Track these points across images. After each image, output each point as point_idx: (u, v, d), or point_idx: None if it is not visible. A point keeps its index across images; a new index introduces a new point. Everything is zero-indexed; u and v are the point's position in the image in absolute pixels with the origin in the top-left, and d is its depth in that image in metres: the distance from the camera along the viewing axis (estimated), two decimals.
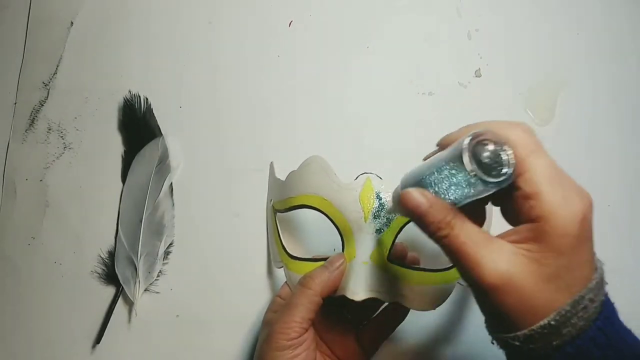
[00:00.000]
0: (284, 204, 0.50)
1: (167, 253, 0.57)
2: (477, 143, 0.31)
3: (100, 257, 0.58)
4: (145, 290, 0.56)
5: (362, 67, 0.61)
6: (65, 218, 0.59)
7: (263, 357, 0.42)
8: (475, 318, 0.53)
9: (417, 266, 0.45)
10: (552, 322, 0.29)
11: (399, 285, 0.44)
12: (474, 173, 0.30)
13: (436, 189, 0.33)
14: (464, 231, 0.32)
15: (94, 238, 0.58)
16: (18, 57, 0.65)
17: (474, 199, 0.32)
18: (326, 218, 0.46)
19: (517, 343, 0.31)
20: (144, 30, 0.64)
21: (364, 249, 0.44)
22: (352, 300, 0.42)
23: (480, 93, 0.59)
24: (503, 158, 0.31)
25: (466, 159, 0.30)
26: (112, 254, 0.57)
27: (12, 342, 0.57)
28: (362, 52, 0.61)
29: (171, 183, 0.59)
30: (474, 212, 0.33)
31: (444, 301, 0.45)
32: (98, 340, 0.55)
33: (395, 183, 0.46)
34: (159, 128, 0.61)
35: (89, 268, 0.57)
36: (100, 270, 0.57)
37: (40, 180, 0.61)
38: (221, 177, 0.59)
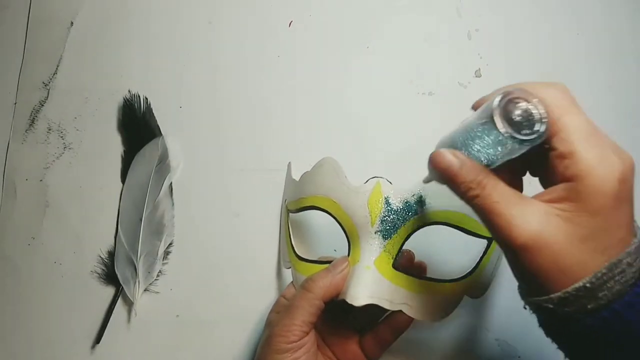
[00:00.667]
0: (296, 204, 0.50)
1: (166, 253, 0.57)
2: (509, 101, 0.30)
3: (100, 257, 0.58)
4: (145, 290, 0.56)
5: (362, 67, 0.61)
6: (65, 218, 0.59)
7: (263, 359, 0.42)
8: (483, 334, 0.53)
9: (424, 275, 0.44)
10: (588, 285, 0.28)
11: (403, 293, 0.43)
12: (505, 131, 0.29)
13: (469, 149, 0.32)
14: (496, 191, 0.31)
15: (93, 238, 0.58)
16: (18, 57, 0.65)
17: (507, 158, 0.31)
18: (335, 220, 0.46)
19: (551, 306, 0.30)
20: (144, 30, 0.64)
21: (369, 254, 0.43)
22: (352, 305, 0.42)
23: (480, 93, 0.59)
24: (535, 116, 0.30)
25: (497, 117, 0.30)
26: (111, 254, 0.57)
27: (12, 342, 0.57)
28: (362, 52, 0.61)
29: (171, 183, 0.59)
30: (510, 182, 0.32)
31: (449, 314, 0.44)
32: (98, 340, 0.55)
33: (401, 184, 0.45)
34: (159, 128, 0.61)
35: (89, 268, 0.57)
36: (100, 270, 0.57)
37: (40, 180, 0.61)
38: (221, 177, 0.59)
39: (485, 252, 0.46)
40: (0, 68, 0.65)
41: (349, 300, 0.41)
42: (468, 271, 0.45)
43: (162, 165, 0.59)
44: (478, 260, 0.46)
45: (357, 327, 0.48)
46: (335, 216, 0.46)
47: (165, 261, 0.57)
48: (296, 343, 0.41)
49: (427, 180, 0.40)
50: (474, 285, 0.45)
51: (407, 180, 0.44)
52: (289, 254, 0.50)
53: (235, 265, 0.56)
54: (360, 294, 0.41)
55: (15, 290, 0.58)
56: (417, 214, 0.44)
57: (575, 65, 0.59)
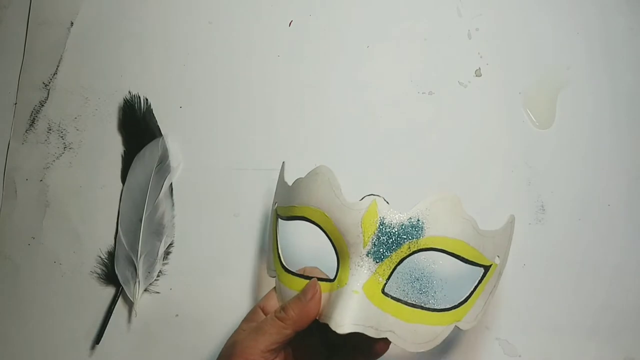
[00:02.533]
0: (286, 211, 0.47)
1: (167, 253, 0.57)
2: None
3: (100, 257, 0.58)
4: (145, 291, 0.56)
5: (362, 66, 0.61)
6: (65, 218, 0.59)
7: None
8: (484, 333, 0.51)
9: (414, 303, 0.42)
10: None
11: (390, 320, 0.41)
12: None
13: None
14: None
15: (93, 238, 0.58)
16: (18, 57, 0.65)
17: None
18: (325, 236, 0.44)
19: None
20: (144, 30, 0.64)
21: (358, 277, 0.41)
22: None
23: (480, 92, 0.59)
24: None
25: None
26: (111, 254, 0.57)
27: (11, 342, 0.56)
28: (362, 52, 0.61)
29: (171, 183, 0.59)
30: None
31: (437, 344, 0.42)
32: (98, 340, 0.55)
33: (398, 205, 0.42)
34: (159, 128, 0.61)
35: (89, 268, 0.57)
36: (100, 271, 0.57)
37: (41, 180, 0.61)
38: (221, 177, 0.59)
39: (480, 281, 0.45)
40: (0, 68, 0.65)
41: (333, 327, 0.39)
42: (460, 300, 0.44)
43: (162, 165, 0.59)
44: (472, 289, 0.44)
45: (327, 346, 0.46)
46: (326, 231, 0.43)
47: (165, 261, 0.57)
48: None
49: None
50: (465, 315, 0.44)
51: (405, 198, 0.42)
52: (274, 262, 0.48)
53: (235, 265, 0.56)
54: (346, 321, 0.39)
55: (15, 290, 0.58)
56: (412, 239, 0.41)
57: (574, 64, 0.59)
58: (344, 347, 0.45)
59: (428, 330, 0.42)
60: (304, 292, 0.42)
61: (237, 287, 0.55)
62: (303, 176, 0.46)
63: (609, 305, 0.53)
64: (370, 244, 0.41)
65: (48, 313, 0.57)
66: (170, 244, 0.57)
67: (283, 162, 0.54)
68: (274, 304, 0.45)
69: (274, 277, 0.47)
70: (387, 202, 0.42)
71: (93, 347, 0.55)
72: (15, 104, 0.64)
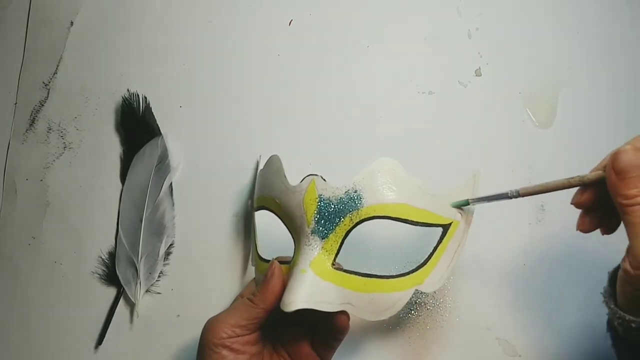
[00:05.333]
0: (256, 202, 0.50)
1: (167, 254, 0.57)
2: None
3: (101, 257, 0.58)
4: (146, 291, 0.56)
5: (362, 66, 0.61)
6: (65, 218, 0.59)
7: (199, 351, 0.44)
8: (484, 333, 0.53)
9: (368, 272, 0.42)
10: None
11: (345, 293, 0.42)
12: None
13: None
14: None
15: (94, 238, 0.58)
16: (18, 57, 0.64)
17: None
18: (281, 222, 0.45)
19: None
20: (144, 29, 0.64)
21: (305, 257, 0.42)
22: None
23: (480, 92, 0.59)
24: None
25: None
26: (112, 255, 0.57)
27: (12, 343, 0.56)
28: (362, 51, 0.61)
29: (171, 183, 0.59)
30: None
31: (397, 311, 0.42)
32: (100, 341, 0.55)
33: (335, 181, 0.43)
34: (158, 127, 0.61)
35: (90, 268, 0.57)
36: (100, 271, 0.57)
37: (41, 180, 0.61)
38: (221, 176, 0.59)
39: (440, 241, 0.44)
40: (0, 68, 0.65)
41: (282, 307, 0.40)
42: (419, 263, 0.43)
43: (162, 165, 0.59)
44: (432, 250, 0.44)
45: (308, 328, 0.47)
46: (280, 217, 0.45)
47: (166, 262, 0.57)
48: (223, 340, 0.42)
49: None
50: (427, 277, 0.43)
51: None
52: (254, 253, 0.50)
53: (236, 265, 0.56)
54: (294, 299, 0.40)
55: (15, 290, 0.58)
56: (352, 210, 0.42)
57: (575, 63, 0.59)
58: (322, 329, 0.46)
59: (385, 297, 0.42)
60: (265, 273, 0.44)
61: (238, 287, 0.55)
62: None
63: None
64: (314, 222, 0.42)
65: (49, 313, 0.57)
66: (171, 245, 0.57)
67: (259, 156, 0.56)
68: (251, 291, 0.47)
69: (255, 266, 0.50)
70: (325, 180, 0.43)
71: (96, 348, 0.55)
72: (15, 104, 0.64)
